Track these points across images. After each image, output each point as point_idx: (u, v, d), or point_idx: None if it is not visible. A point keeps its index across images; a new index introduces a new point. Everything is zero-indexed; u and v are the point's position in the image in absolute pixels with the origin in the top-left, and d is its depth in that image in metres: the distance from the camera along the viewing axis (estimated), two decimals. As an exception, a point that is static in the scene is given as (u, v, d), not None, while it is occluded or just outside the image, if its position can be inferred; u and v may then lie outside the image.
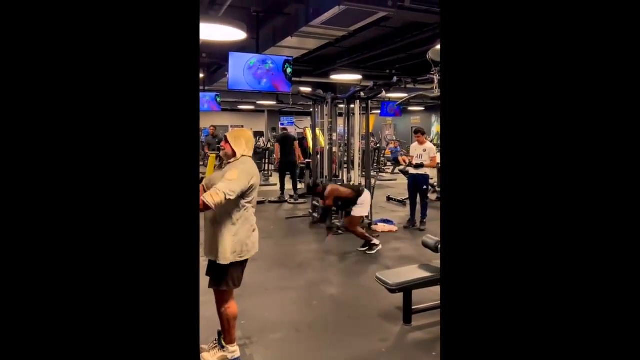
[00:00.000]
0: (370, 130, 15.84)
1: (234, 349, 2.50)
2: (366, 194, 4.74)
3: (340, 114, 6.33)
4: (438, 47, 2.82)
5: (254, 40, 6.04)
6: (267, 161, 11.11)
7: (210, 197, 2.12)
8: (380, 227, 5.50)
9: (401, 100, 4.44)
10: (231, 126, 18.17)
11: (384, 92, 5.20)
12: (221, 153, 2.48)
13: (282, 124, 18.48)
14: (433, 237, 3.19)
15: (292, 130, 10.87)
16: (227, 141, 2.41)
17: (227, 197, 2.16)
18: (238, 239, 2.32)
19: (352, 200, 4.60)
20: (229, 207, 2.29)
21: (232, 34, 4.26)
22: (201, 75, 8.07)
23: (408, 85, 6.57)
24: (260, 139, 11.29)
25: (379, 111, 10.95)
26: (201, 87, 9.82)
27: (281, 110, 15.85)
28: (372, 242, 4.62)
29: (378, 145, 12.23)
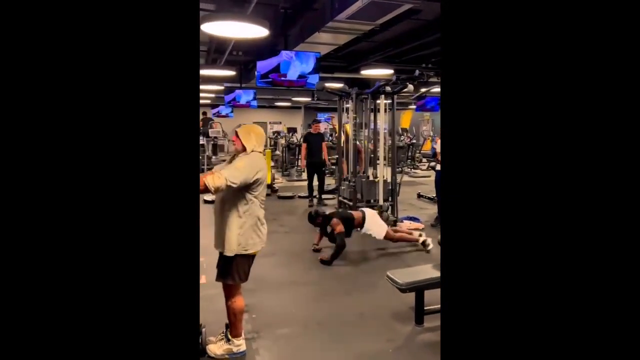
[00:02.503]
0: (407, 126, 15.61)
1: (240, 343, 2.53)
2: (367, 211, 4.64)
3: (372, 110, 6.25)
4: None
5: (285, 38, 6.12)
6: (300, 157, 11.17)
7: (212, 179, 2.13)
8: (406, 224, 5.39)
9: (417, 94, 4.32)
10: (269, 122, 18.44)
11: (410, 86, 5.06)
12: (232, 148, 2.54)
13: (319, 121, 18.57)
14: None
15: (325, 127, 10.87)
16: (237, 136, 2.45)
17: (228, 182, 2.16)
18: (244, 232, 2.35)
19: (358, 223, 4.44)
20: (236, 200, 2.32)
21: (255, 31, 4.30)
22: (233, 73, 8.23)
23: (431, 79, 6.39)
24: (294, 134, 11.37)
25: (414, 107, 10.72)
26: (237, 84, 10.03)
27: (317, 106, 15.88)
28: (421, 242, 4.49)
29: (413, 141, 12.00)
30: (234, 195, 2.32)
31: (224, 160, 10.23)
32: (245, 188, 2.31)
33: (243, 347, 2.54)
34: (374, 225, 4.47)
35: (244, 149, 2.41)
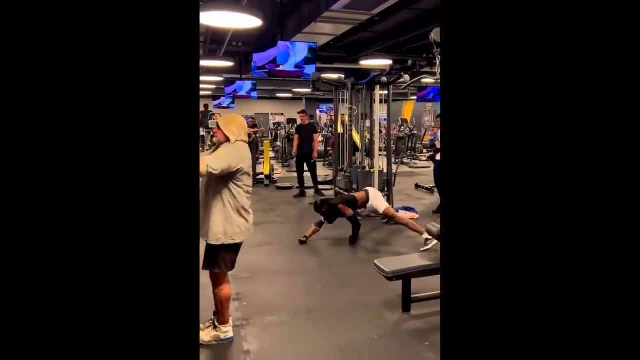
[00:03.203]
0: (409, 117, 15.51)
1: (227, 330, 2.57)
2: (370, 190, 4.83)
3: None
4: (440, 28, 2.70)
5: (283, 28, 6.11)
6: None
7: None
8: (401, 214, 5.39)
9: (406, 85, 4.31)
10: (271, 114, 18.42)
11: (407, 76, 5.04)
12: (214, 139, 2.54)
13: (321, 111, 18.54)
14: (437, 224, 3.09)
15: (325, 118, 10.84)
16: (219, 127, 2.46)
17: (209, 169, 2.18)
18: (229, 221, 2.37)
19: (361, 203, 4.64)
20: (220, 190, 2.34)
21: (249, 21, 4.28)
22: (232, 64, 8.23)
23: (424, 69, 6.35)
24: (294, 126, 11.34)
25: (415, 97, 10.68)
26: (237, 76, 10.01)
27: (318, 97, 15.84)
28: (425, 237, 4.41)
29: (414, 132, 11.95)
30: (219, 185, 2.35)
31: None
32: (229, 177, 2.33)
33: (230, 334, 2.58)
34: (377, 200, 4.65)
35: (228, 140, 2.42)
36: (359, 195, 4.69)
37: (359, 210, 4.77)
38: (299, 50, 5.73)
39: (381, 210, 4.58)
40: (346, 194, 5.19)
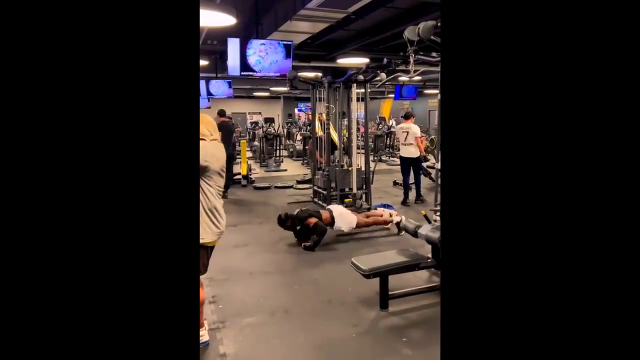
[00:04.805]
0: (387, 115, 15.62)
1: (202, 334, 2.52)
2: (334, 207, 4.76)
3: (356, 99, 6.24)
4: (414, 26, 2.71)
5: (258, 26, 6.06)
6: (278, 147, 11.12)
7: None
8: (380, 212, 5.41)
9: (381, 83, 4.34)
10: (248, 113, 18.28)
11: (383, 74, 5.06)
12: None
13: (300, 110, 18.50)
14: (413, 221, 3.11)
15: (303, 117, 10.82)
16: None
17: None
18: (200, 222, 2.32)
19: (327, 222, 4.48)
20: None
21: (222, 19, 4.22)
22: (206, 63, 8.13)
23: (399, 67, 6.41)
24: (271, 125, 11.31)
25: (392, 95, 10.75)
26: (213, 75, 9.89)
27: (297, 96, 15.80)
28: (395, 222, 4.64)
29: (392, 129, 12.03)
30: None
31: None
32: (201, 174, 2.29)
33: (205, 338, 2.53)
34: (343, 222, 4.52)
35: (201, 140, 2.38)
36: (324, 214, 4.51)
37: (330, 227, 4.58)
38: (274, 48, 5.66)
39: (354, 226, 4.53)
40: (315, 210, 5.02)
